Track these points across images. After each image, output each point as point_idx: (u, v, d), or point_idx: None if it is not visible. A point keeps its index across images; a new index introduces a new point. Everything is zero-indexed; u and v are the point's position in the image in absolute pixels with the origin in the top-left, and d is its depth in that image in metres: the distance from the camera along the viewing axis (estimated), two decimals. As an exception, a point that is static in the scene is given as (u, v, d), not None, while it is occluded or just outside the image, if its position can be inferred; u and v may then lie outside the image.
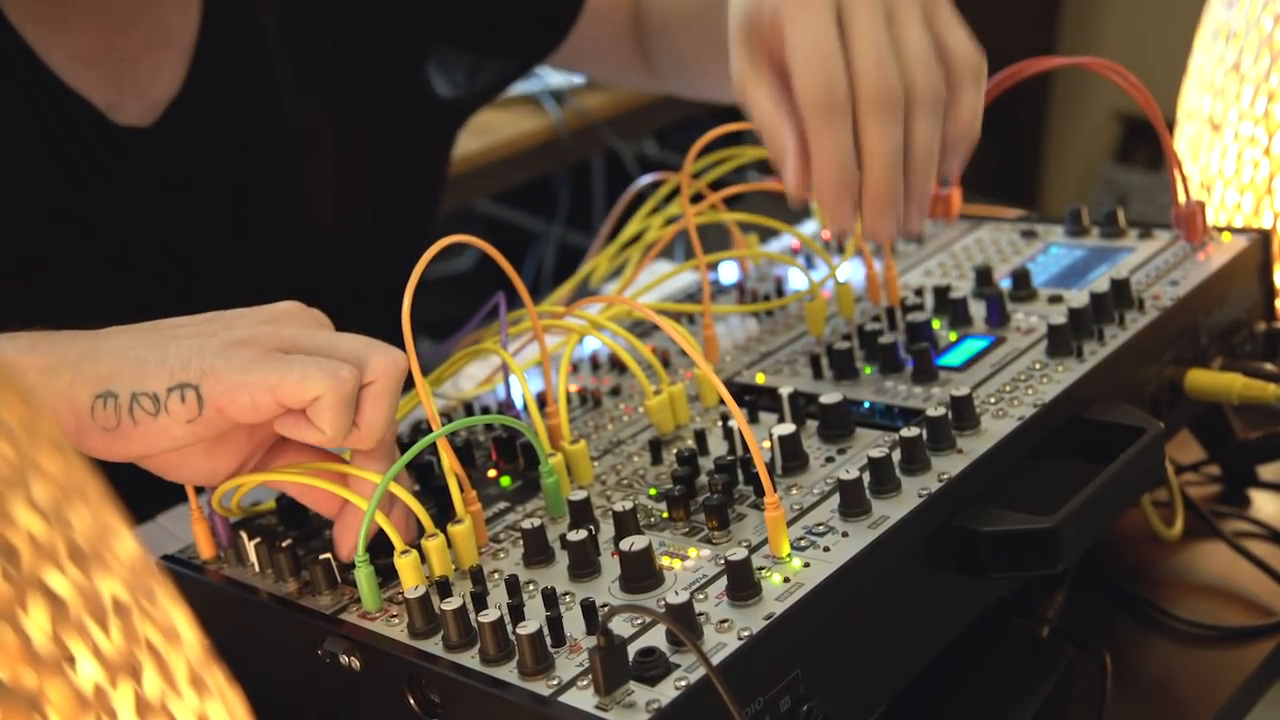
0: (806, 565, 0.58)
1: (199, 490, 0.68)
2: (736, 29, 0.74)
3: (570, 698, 0.52)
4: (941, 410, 0.65)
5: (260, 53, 0.98)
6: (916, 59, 0.68)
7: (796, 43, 0.69)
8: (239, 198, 0.98)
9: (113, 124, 0.92)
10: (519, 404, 0.79)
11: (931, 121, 0.70)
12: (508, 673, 0.54)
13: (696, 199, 0.87)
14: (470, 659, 0.56)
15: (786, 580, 0.57)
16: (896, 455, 0.63)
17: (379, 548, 0.61)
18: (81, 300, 0.92)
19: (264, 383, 0.58)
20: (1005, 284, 0.83)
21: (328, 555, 0.64)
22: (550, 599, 0.57)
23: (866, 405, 0.72)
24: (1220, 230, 0.86)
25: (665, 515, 0.64)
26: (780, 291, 0.90)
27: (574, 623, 0.56)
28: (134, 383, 0.59)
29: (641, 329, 0.86)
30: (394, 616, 0.60)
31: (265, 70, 0.98)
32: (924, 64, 0.69)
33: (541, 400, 0.72)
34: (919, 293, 0.85)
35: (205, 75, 0.95)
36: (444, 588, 0.61)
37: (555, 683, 0.53)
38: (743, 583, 0.55)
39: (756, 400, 0.75)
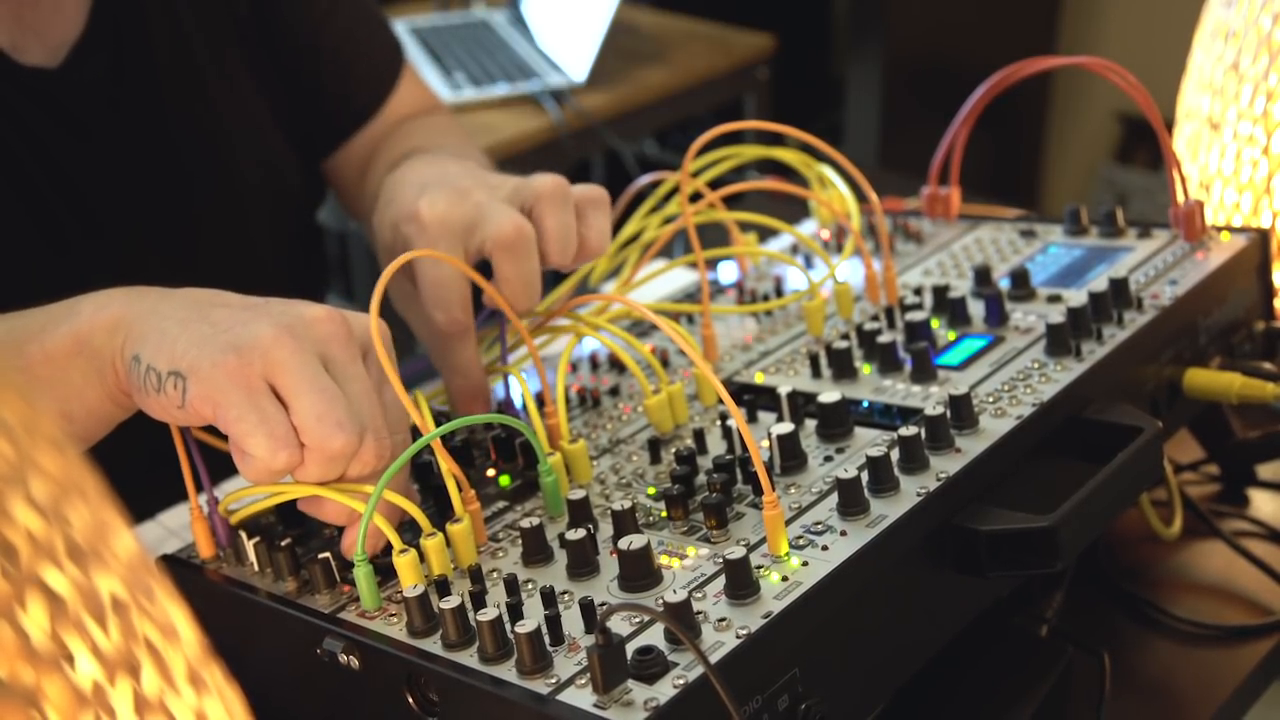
0: (805, 564, 0.58)
1: (199, 488, 0.68)
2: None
3: (569, 696, 0.52)
4: (940, 409, 0.65)
5: None
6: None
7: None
8: (148, 140, 0.98)
9: (18, 65, 0.91)
10: (518, 403, 0.79)
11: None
12: (506, 671, 0.54)
13: (695, 198, 0.87)
14: (469, 658, 0.56)
15: (785, 579, 0.57)
16: (895, 454, 0.63)
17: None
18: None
19: (224, 412, 0.60)
20: (1004, 283, 0.83)
21: (327, 554, 0.64)
22: (549, 598, 0.57)
23: (865, 404, 0.72)
24: (1219, 229, 0.86)
25: (664, 514, 0.64)
26: (779, 291, 0.90)
27: (572, 621, 0.56)
28: (151, 354, 0.62)
29: (641, 328, 0.87)
30: (393, 615, 0.60)
31: (166, 12, 0.99)
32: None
33: (540, 400, 0.72)
34: (918, 292, 0.85)
35: (106, 16, 0.95)
36: (443, 587, 0.61)
37: (554, 681, 0.53)
38: (741, 581, 0.56)
39: (755, 399, 0.75)
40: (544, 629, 0.54)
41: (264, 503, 0.66)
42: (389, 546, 0.61)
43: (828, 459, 0.67)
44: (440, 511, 0.68)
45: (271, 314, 0.63)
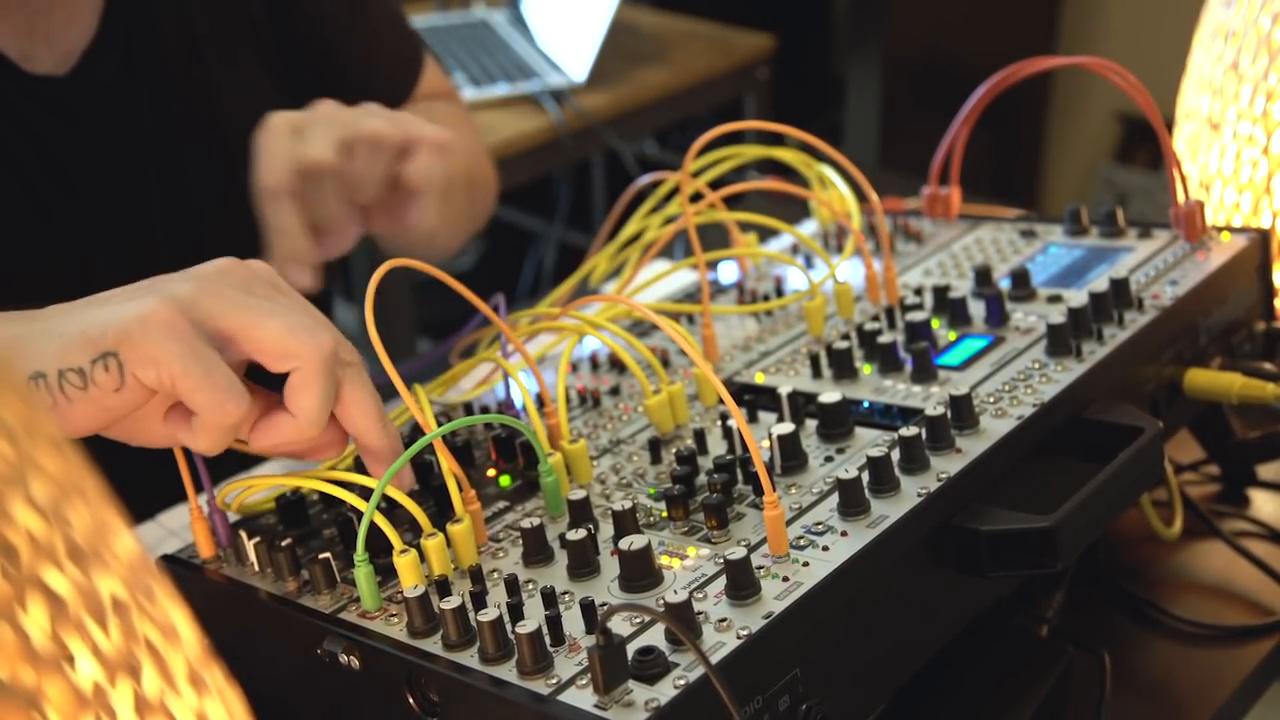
0: (805, 564, 0.58)
1: (199, 488, 0.68)
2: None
3: (569, 697, 0.52)
4: (940, 410, 0.65)
5: (173, 3, 0.98)
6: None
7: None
8: (159, 145, 0.98)
9: (27, 73, 0.91)
10: (518, 403, 0.79)
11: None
12: (507, 672, 0.54)
13: (696, 198, 0.87)
14: (469, 658, 0.56)
15: (785, 579, 0.57)
16: (895, 454, 0.63)
17: (379, 547, 0.62)
18: (7, 253, 0.92)
19: (168, 368, 0.57)
20: (1004, 283, 0.83)
21: (327, 555, 0.64)
22: (549, 598, 0.57)
23: (865, 405, 0.72)
24: (1219, 230, 0.86)
25: (664, 514, 0.64)
26: (780, 291, 0.90)
27: (573, 622, 0.56)
28: (59, 359, 0.58)
29: (641, 328, 0.86)
30: (393, 616, 0.60)
31: (178, 20, 0.99)
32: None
33: (540, 400, 0.72)
34: (918, 292, 0.85)
35: (117, 25, 0.95)
36: (443, 587, 0.61)
37: (554, 682, 0.53)
38: (742, 582, 0.56)
39: (756, 400, 0.75)
40: (544, 629, 0.54)
41: (269, 482, 0.66)
42: (389, 547, 0.61)
43: (828, 459, 0.67)
44: (441, 511, 0.68)
45: (174, 278, 0.61)
